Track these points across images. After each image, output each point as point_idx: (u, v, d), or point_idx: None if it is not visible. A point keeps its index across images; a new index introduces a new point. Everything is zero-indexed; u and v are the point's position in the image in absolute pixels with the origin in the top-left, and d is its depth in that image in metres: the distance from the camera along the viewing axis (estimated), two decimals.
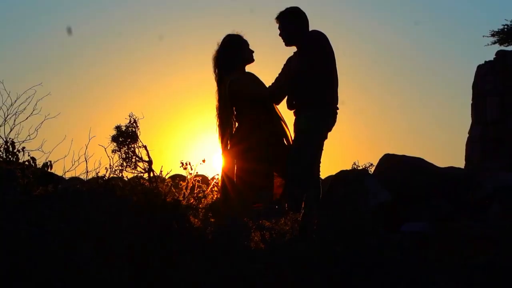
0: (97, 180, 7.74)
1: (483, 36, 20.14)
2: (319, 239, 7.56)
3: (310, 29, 8.64)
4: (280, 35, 8.66)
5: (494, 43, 20.05)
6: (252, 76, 8.68)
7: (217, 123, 8.62)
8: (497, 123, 18.75)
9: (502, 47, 19.88)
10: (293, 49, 8.70)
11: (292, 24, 8.58)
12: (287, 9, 8.63)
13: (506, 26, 19.92)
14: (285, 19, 8.61)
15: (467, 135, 19.79)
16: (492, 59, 19.25)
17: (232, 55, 8.58)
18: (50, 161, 8.35)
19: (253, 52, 8.68)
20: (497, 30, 20.00)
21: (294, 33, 8.58)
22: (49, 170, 8.50)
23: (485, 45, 20.23)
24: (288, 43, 8.66)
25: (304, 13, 8.63)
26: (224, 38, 8.68)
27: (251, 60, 8.67)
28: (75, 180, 9.01)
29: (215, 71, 8.66)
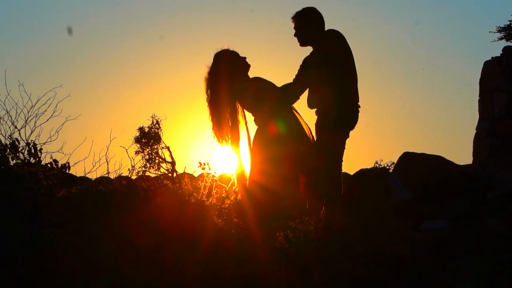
0: (120, 181, 7.76)
1: (490, 32, 20.10)
2: (342, 238, 7.58)
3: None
4: (295, 35, 8.65)
5: (501, 39, 19.95)
6: (260, 81, 8.69)
7: (230, 141, 8.59)
8: (505, 119, 18.73)
9: (509, 43, 19.82)
10: (309, 49, 8.69)
11: (308, 24, 8.57)
12: (303, 9, 8.62)
13: None
14: (301, 19, 8.60)
15: (475, 131, 19.76)
16: (498, 55, 19.20)
17: (230, 70, 8.59)
18: (68, 163, 8.38)
19: (245, 58, 8.69)
20: (503, 26, 19.93)
21: (310, 33, 8.58)
22: (67, 172, 8.52)
23: (492, 41, 20.17)
24: (303, 43, 8.66)
25: (320, 13, 8.62)
26: (215, 58, 8.68)
27: (247, 66, 8.69)
28: (85, 180, 9.04)
29: (207, 92, 8.64)
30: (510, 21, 19.88)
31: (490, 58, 19.37)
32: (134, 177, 8.31)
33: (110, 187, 7.72)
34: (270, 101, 8.55)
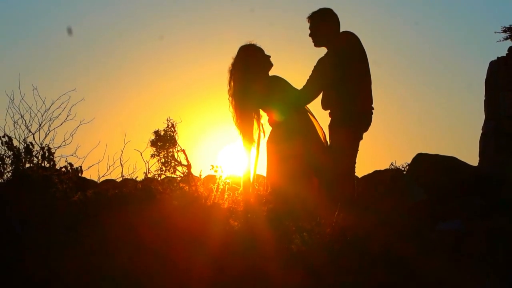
0: (136, 185, 7.75)
1: (495, 32, 20.06)
2: (357, 241, 7.56)
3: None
4: (310, 35, 8.64)
5: (506, 39, 19.91)
6: (278, 80, 8.69)
7: (243, 136, 8.60)
8: (511, 118, 18.70)
9: None
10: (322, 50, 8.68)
11: (323, 25, 8.55)
12: (319, 9, 8.60)
13: None
14: (316, 19, 8.57)
15: (481, 130, 19.74)
16: (504, 55, 19.17)
17: (251, 66, 8.58)
18: (81, 166, 8.38)
19: (269, 57, 8.68)
20: (508, 26, 19.89)
21: (325, 34, 8.56)
22: (80, 175, 8.52)
23: (497, 41, 20.13)
24: (318, 44, 8.64)
25: (336, 15, 8.60)
26: (239, 51, 8.67)
27: (270, 65, 8.68)
28: (92, 182, 9.05)
29: (230, 84, 8.64)
30: None
31: (495, 58, 19.34)
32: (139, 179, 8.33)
33: (125, 190, 7.71)
34: (278, 100, 8.55)
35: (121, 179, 8.36)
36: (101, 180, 8.89)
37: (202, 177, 8.36)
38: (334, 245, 7.33)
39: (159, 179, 8.05)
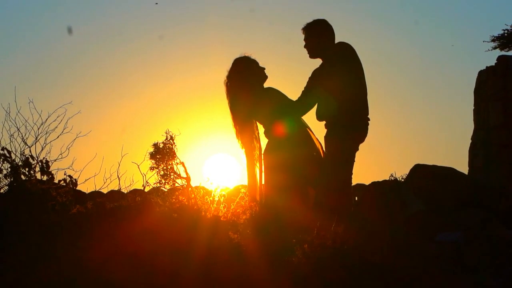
0: (135, 197, 7.71)
1: (483, 41, 20.18)
2: (356, 252, 7.54)
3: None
4: (305, 46, 8.64)
5: (495, 48, 20.05)
6: (273, 92, 8.68)
7: (242, 145, 8.62)
8: (500, 128, 18.77)
9: (503, 52, 19.89)
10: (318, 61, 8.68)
11: (318, 36, 8.56)
12: (314, 20, 8.62)
13: (506, 31, 19.94)
14: (311, 30, 8.59)
15: (470, 140, 19.79)
16: (493, 64, 19.26)
17: (245, 79, 8.58)
18: (76, 179, 8.32)
19: (264, 69, 8.67)
20: (497, 35, 20.02)
21: (319, 45, 8.56)
22: (75, 188, 8.47)
23: (486, 50, 20.26)
24: (312, 55, 8.64)
25: (330, 26, 8.62)
26: (234, 64, 8.67)
27: (264, 78, 8.67)
28: (80, 193, 9.01)
29: (227, 97, 8.66)
30: (503, 30, 19.97)
31: (484, 68, 19.43)
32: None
33: (123, 203, 7.67)
34: (265, 112, 8.54)
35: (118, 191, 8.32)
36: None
37: (190, 189, 8.34)
38: (335, 257, 7.31)
39: (145, 190, 8.03)
